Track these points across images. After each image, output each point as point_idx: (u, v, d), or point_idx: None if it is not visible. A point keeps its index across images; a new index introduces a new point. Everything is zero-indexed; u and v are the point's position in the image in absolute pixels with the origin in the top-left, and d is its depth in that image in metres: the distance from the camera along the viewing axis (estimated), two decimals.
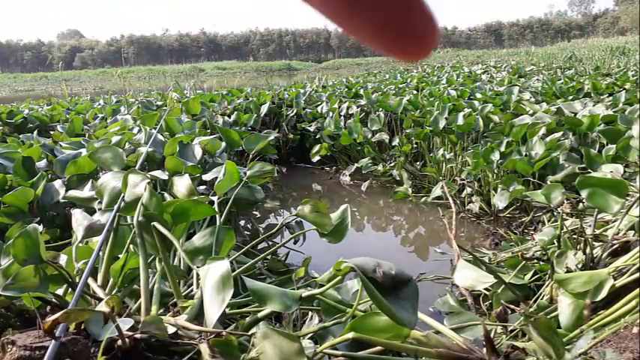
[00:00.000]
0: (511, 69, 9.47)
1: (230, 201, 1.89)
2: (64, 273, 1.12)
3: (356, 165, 4.16)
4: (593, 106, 3.39)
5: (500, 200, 2.69)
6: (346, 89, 6.20)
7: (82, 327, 0.92)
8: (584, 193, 1.54)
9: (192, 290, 1.39)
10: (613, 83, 4.84)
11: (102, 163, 2.09)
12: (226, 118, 4.40)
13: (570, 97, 4.24)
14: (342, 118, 4.69)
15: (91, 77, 40.52)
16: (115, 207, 1.43)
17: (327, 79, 9.12)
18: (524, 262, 1.84)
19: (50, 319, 0.78)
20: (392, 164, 3.94)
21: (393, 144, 4.00)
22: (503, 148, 2.94)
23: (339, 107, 4.93)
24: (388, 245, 3.05)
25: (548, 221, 2.51)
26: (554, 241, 1.87)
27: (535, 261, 1.88)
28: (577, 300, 1.40)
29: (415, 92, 5.50)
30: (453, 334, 1.10)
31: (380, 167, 3.97)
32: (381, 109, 4.57)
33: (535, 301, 1.68)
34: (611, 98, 3.79)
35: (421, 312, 1.04)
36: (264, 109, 4.78)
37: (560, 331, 1.37)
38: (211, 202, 1.76)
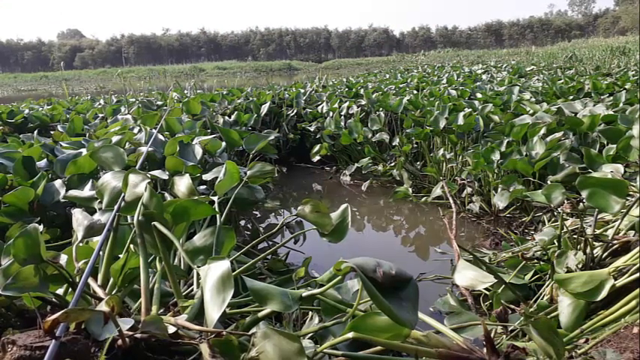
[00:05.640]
0: (511, 69, 9.47)
1: (230, 201, 1.89)
2: (64, 273, 1.12)
3: (356, 165, 4.16)
4: (594, 106, 3.39)
5: (500, 200, 2.69)
6: (346, 89, 6.20)
7: (83, 327, 0.92)
8: (584, 193, 1.54)
9: (192, 290, 1.39)
10: (613, 83, 4.84)
11: (102, 163, 2.09)
12: (227, 117, 4.40)
13: (571, 97, 4.24)
14: (342, 117, 4.69)
15: (91, 77, 40.54)
16: (116, 207, 1.43)
17: (328, 79, 9.12)
18: (524, 262, 1.84)
19: (50, 318, 0.78)
20: (392, 164, 3.94)
21: (394, 144, 4.00)
22: (503, 148, 2.94)
23: (340, 107, 4.93)
24: (388, 245, 3.05)
25: (549, 221, 2.51)
26: (555, 241, 1.86)
27: (535, 261, 1.88)
28: (577, 300, 1.40)
29: (415, 92, 5.50)
30: (453, 334, 1.10)
31: (380, 167, 3.97)
32: (381, 108, 4.57)
33: (535, 301, 1.68)
34: (611, 98, 3.79)
35: (421, 312, 1.04)
36: (264, 108, 4.78)
37: (560, 331, 1.37)
38: (211, 202, 1.76)
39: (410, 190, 3.27)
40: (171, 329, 0.98)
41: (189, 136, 2.69)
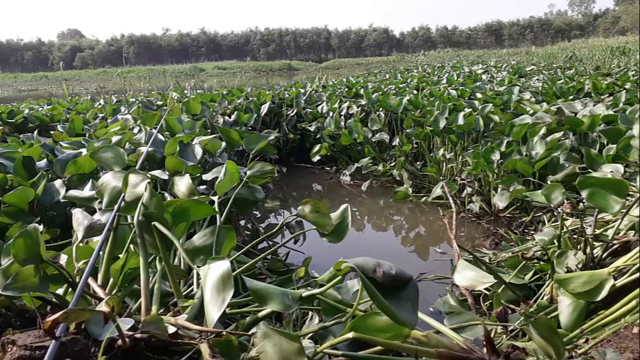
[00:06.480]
0: (511, 69, 9.47)
1: (230, 201, 1.89)
2: (64, 273, 1.12)
3: (356, 165, 4.16)
4: (594, 106, 3.39)
5: (500, 200, 2.69)
6: (346, 89, 6.20)
7: (83, 327, 0.92)
8: (584, 193, 1.54)
9: (192, 290, 1.39)
10: (613, 83, 4.84)
11: (102, 163, 2.09)
12: (227, 117, 4.40)
13: (571, 97, 4.24)
14: (342, 117, 4.69)
15: (91, 77, 40.55)
16: (116, 207, 1.43)
17: (328, 79, 9.12)
18: (524, 262, 1.84)
19: (50, 318, 0.78)
20: (392, 164, 3.94)
21: (394, 144, 4.00)
22: (503, 148, 2.94)
23: (340, 107, 4.93)
24: (388, 245, 3.05)
25: (549, 221, 2.51)
26: (555, 241, 1.86)
27: (535, 261, 1.88)
28: (577, 300, 1.40)
29: (415, 92, 5.50)
30: (453, 334, 1.10)
31: (380, 167, 3.97)
32: (381, 108, 4.57)
33: (535, 301, 1.68)
34: (611, 98, 3.79)
35: (421, 312, 1.04)
36: (264, 108, 4.78)
37: (560, 331, 1.37)
38: (212, 202, 1.76)
39: (410, 190, 3.27)
40: (171, 329, 0.98)
41: (189, 136, 2.69)
